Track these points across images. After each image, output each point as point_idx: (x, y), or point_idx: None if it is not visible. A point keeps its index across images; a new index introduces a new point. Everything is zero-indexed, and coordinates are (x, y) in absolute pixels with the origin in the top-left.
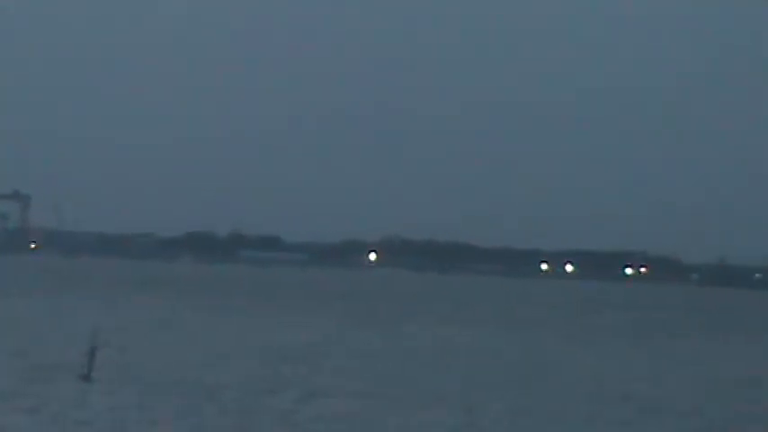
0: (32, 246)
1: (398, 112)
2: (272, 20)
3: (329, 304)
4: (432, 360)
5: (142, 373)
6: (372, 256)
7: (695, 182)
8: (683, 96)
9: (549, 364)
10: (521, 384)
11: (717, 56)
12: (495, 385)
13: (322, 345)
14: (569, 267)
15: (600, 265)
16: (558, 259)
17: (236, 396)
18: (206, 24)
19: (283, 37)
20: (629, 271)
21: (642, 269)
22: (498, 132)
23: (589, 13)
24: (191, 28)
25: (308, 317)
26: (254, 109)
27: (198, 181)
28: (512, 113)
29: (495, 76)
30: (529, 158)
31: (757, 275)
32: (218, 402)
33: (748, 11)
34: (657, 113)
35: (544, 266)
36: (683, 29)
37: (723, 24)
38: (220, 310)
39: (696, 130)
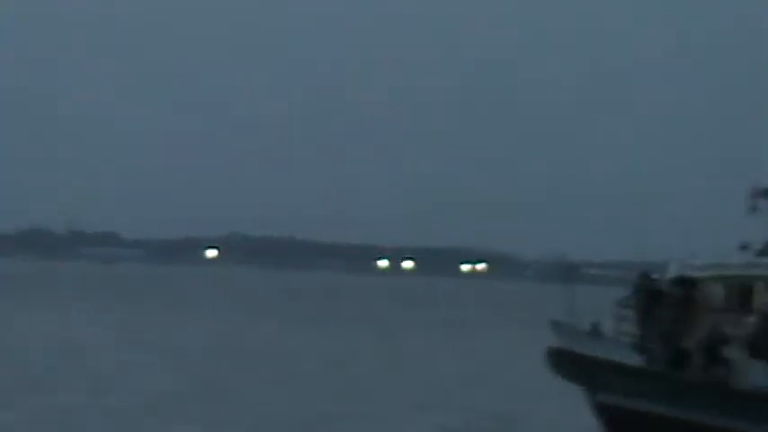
0: None
1: (225, 107)
2: None
3: (128, 299)
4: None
5: None
6: (211, 253)
7: (535, 178)
8: (520, 94)
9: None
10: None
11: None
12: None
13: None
14: (407, 264)
15: (438, 261)
16: (397, 255)
17: None
18: None
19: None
20: (466, 267)
21: (480, 265)
22: (329, 126)
23: None
24: None
25: (94, 312)
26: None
27: (35, 176)
28: (335, 108)
29: (327, 72)
30: (367, 154)
31: (593, 272)
32: None
33: None
34: (483, 111)
35: (383, 263)
36: None
37: None
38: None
39: (531, 129)
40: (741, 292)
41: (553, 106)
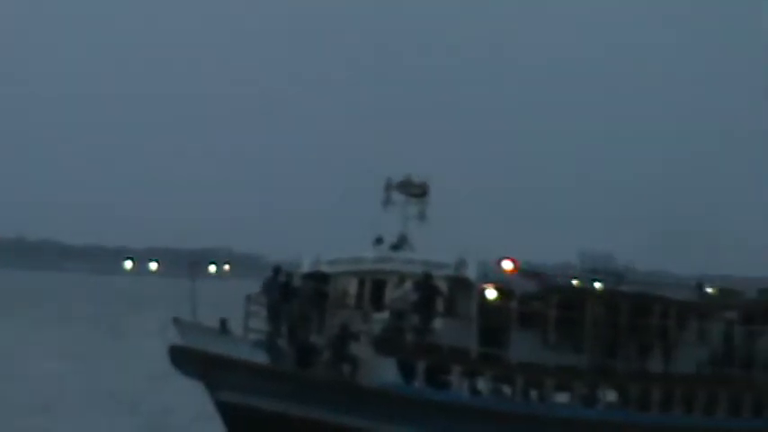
0: None
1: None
2: None
3: None
4: None
5: None
6: None
7: (285, 181)
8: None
9: None
10: None
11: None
12: None
13: None
14: (153, 265)
15: (185, 262)
16: (143, 257)
17: None
18: None
19: None
20: (212, 268)
21: (226, 266)
22: (102, 126)
23: None
24: None
25: None
26: None
27: None
28: (127, 107)
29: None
30: (111, 153)
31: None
32: None
33: None
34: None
35: (128, 264)
36: None
37: None
38: None
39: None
40: (373, 287)
41: None
